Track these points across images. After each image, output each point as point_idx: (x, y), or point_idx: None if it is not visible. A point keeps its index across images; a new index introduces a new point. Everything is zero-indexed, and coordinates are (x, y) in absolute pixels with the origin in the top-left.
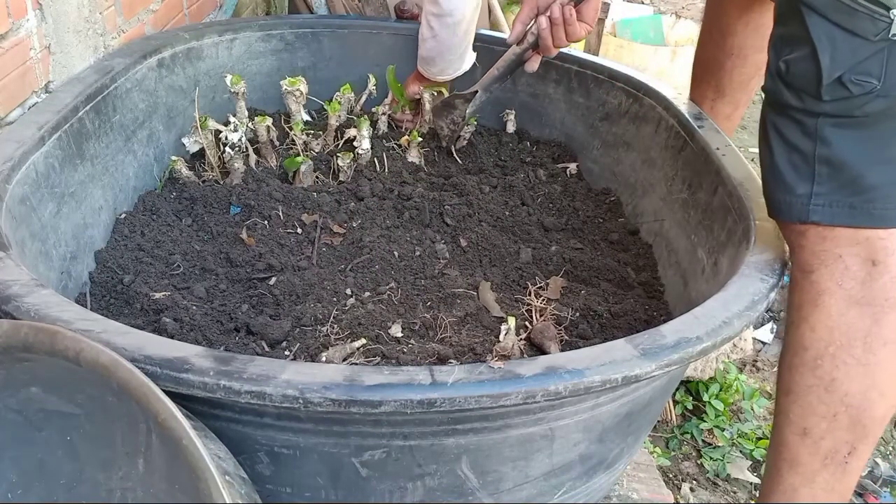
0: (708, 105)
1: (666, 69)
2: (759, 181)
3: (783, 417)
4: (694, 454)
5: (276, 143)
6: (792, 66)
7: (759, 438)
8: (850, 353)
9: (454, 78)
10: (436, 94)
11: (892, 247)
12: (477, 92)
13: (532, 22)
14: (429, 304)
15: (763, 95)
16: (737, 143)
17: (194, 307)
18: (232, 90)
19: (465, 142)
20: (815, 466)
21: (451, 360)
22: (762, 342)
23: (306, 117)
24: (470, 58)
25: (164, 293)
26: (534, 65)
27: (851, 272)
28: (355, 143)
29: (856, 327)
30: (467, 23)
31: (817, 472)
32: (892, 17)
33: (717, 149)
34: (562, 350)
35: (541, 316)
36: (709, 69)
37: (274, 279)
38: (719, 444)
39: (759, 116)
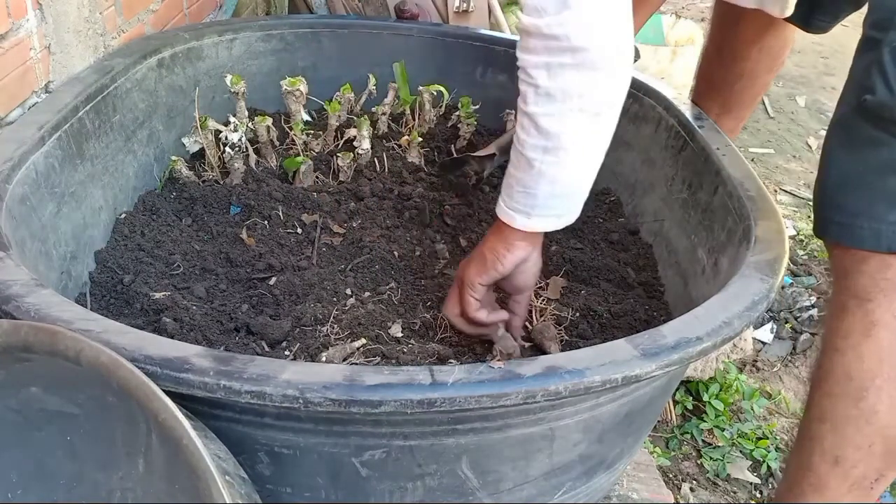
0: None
1: (666, 69)
2: (759, 181)
3: (814, 444)
4: (694, 454)
5: (276, 143)
6: None
7: (759, 438)
8: None
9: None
10: (435, 93)
11: None
12: (494, 154)
13: None
14: (429, 304)
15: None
16: (737, 143)
17: (194, 307)
18: (232, 90)
19: (465, 142)
20: (841, 492)
21: (451, 360)
22: (762, 342)
23: (306, 117)
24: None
25: (164, 293)
26: None
27: None
28: (355, 143)
29: None
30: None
31: (843, 497)
32: None
33: (717, 149)
34: (562, 350)
35: (541, 316)
36: (715, 88)
37: (274, 279)
38: (719, 444)
39: (759, 118)
